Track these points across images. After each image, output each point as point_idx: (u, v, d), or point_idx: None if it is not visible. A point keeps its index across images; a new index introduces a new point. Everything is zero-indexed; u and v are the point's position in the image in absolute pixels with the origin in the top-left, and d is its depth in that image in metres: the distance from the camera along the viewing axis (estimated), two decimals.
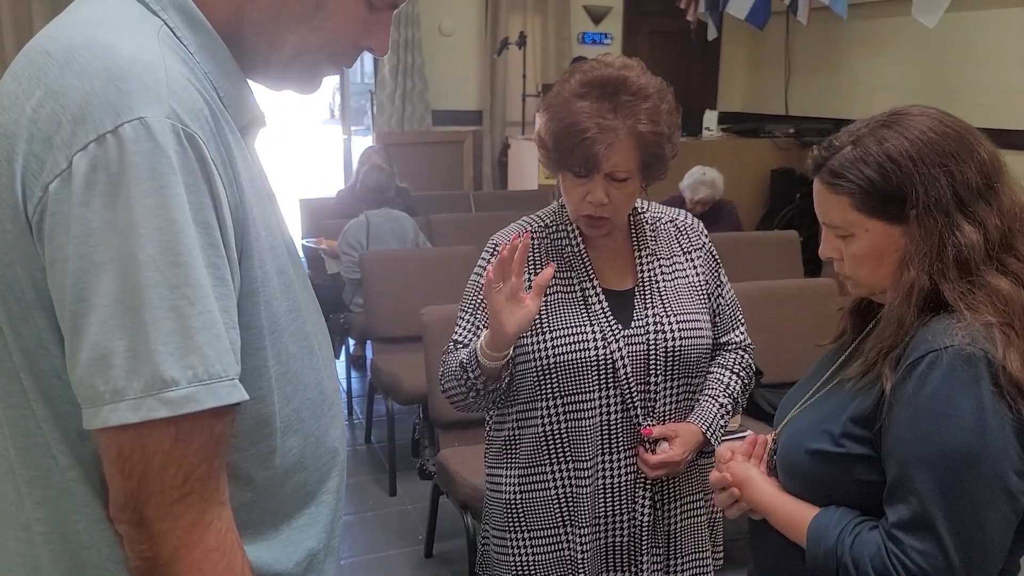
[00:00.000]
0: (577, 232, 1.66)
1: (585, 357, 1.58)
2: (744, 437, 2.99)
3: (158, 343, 0.74)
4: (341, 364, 4.92)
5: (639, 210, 1.71)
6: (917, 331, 1.15)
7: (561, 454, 1.62)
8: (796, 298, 3.53)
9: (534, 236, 1.67)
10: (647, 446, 1.62)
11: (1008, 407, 1.08)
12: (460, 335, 1.66)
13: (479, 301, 1.66)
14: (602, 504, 1.64)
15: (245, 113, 0.92)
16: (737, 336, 1.76)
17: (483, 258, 1.69)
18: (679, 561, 1.71)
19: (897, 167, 1.15)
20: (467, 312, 1.68)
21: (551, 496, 1.64)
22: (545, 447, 1.62)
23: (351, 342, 4.96)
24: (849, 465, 1.19)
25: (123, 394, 0.74)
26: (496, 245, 1.68)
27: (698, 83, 7.38)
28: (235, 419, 0.84)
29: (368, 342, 4.83)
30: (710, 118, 6.75)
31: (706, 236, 1.75)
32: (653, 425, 1.62)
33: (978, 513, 1.08)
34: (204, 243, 0.78)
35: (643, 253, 1.67)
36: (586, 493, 1.62)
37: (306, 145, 13.88)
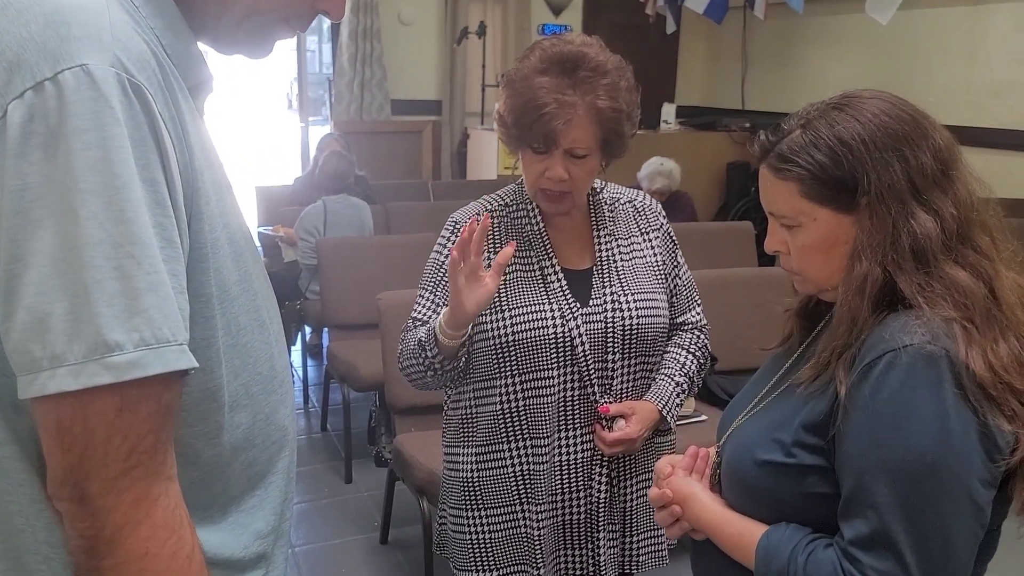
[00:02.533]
0: (537, 211, 1.66)
1: (544, 335, 1.58)
2: (700, 421, 3.04)
3: (101, 305, 0.70)
4: (297, 352, 4.88)
5: (597, 190, 1.72)
6: (872, 329, 1.07)
7: (519, 432, 1.63)
8: (749, 286, 3.57)
9: (494, 215, 1.68)
10: (604, 424, 1.63)
11: (972, 410, 1.00)
12: (420, 313, 1.66)
13: (439, 279, 1.66)
14: (559, 481, 1.65)
15: (194, 73, 0.87)
16: (693, 316, 1.78)
17: (443, 236, 1.69)
18: (635, 538, 1.73)
19: (849, 151, 1.08)
20: (427, 290, 1.67)
21: (508, 474, 1.64)
22: (503, 425, 1.63)
23: (307, 330, 4.92)
24: (800, 477, 1.10)
25: (62, 359, 0.69)
26: (456, 222, 1.69)
27: (656, 76, 7.43)
28: (183, 390, 0.79)
29: (324, 330, 4.79)
30: (668, 111, 6.82)
31: (664, 217, 1.76)
32: (610, 403, 1.63)
33: (942, 527, 0.99)
34: (151, 201, 0.73)
35: (601, 233, 1.69)
36: (543, 470, 1.63)
37: (263, 135, 13.70)
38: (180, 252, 0.77)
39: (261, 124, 14.07)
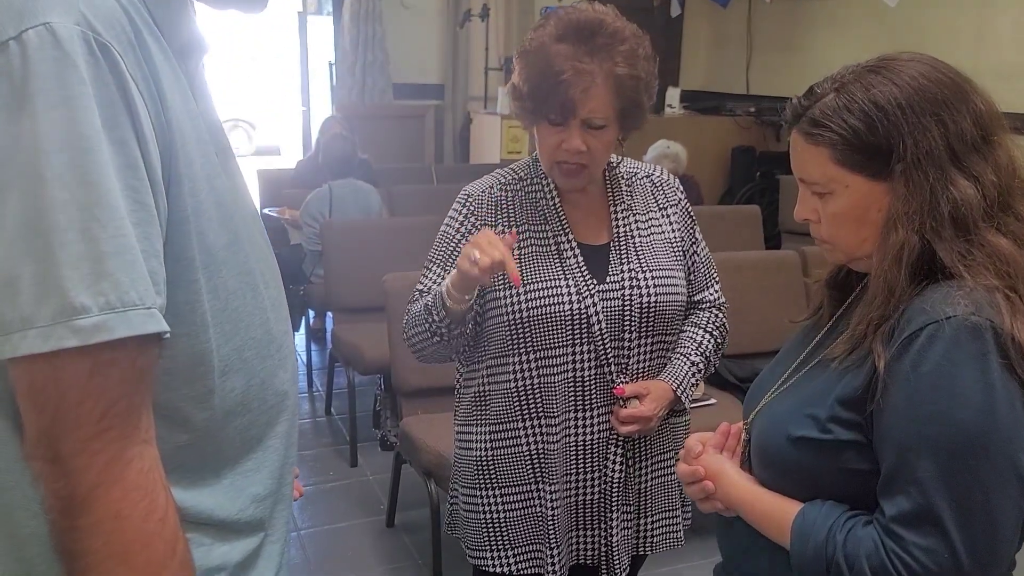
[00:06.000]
0: (552, 185, 1.63)
1: (559, 311, 1.55)
2: (709, 405, 3.02)
3: (66, 267, 0.70)
4: (301, 336, 4.85)
5: (614, 164, 1.69)
6: (911, 300, 1.03)
7: (533, 410, 1.60)
8: (757, 269, 3.55)
9: (508, 188, 1.65)
10: (621, 403, 1.60)
11: (1018, 382, 0.98)
12: (426, 285, 1.63)
13: (449, 252, 1.63)
14: (574, 461, 1.63)
15: (181, 32, 0.86)
16: (711, 294, 1.74)
17: (454, 209, 1.66)
18: (649, 519, 1.70)
19: (884, 116, 1.04)
20: (435, 263, 1.65)
21: (522, 452, 1.62)
22: (516, 403, 1.60)
23: (311, 314, 4.90)
24: (837, 453, 1.07)
25: (32, 322, 0.69)
26: (468, 195, 1.66)
27: (660, 60, 7.29)
28: (163, 355, 0.79)
29: (328, 314, 4.77)
30: (672, 95, 6.78)
31: (681, 193, 1.73)
32: (626, 383, 1.60)
33: (988, 502, 0.97)
34: (120, 163, 0.73)
35: (619, 208, 1.65)
36: (557, 449, 1.61)
37: (264, 120, 13.63)
38: (153, 215, 0.76)
39: (263, 108, 14.00)
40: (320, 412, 4.18)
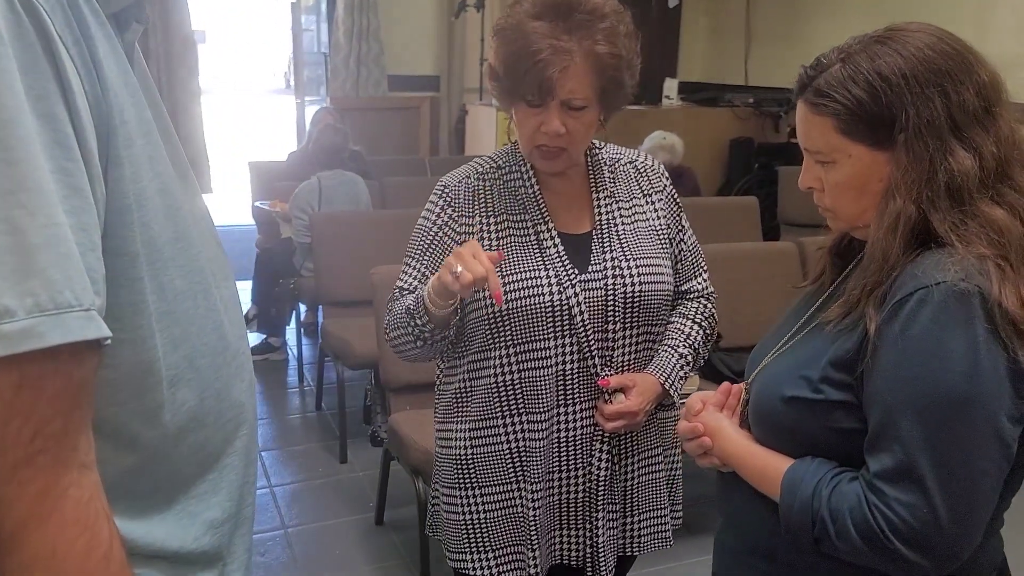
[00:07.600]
0: (531, 172, 1.57)
1: (540, 303, 1.49)
2: None
3: None
4: (292, 331, 4.80)
5: (597, 148, 1.62)
6: (904, 267, 1.06)
7: (514, 406, 1.54)
8: (754, 261, 3.50)
9: (485, 177, 1.58)
10: (605, 398, 1.54)
11: (1003, 347, 1.00)
12: (406, 282, 1.57)
13: (426, 246, 1.57)
14: (557, 459, 1.57)
15: None
16: (699, 284, 1.68)
17: (431, 201, 1.60)
18: (636, 518, 1.64)
19: (888, 86, 1.06)
20: (413, 259, 1.58)
21: (503, 450, 1.56)
22: (497, 399, 1.54)
23: (303, 308, 4.84)
24: (827, 412, 1.10)
25: None
26: (445, 187, 1.59)
27: (658, 51, 7.30)
28: (103, 364, 0.69)
29: (320, 308, 4.71)
30: (670, 86, 6.71)
31: (667, 179, 1.66)
32: (611, 376, 1.54)
33: (968, 462, 1.00)
34: (49, 140, 0.62)
35: (601, 195, 1.59)
36: (540, 447, 1.55)
37: (259, 113, 13.58)
38: (91, 202, 0.66)
39: (257, 103, 13.95)
40: (310, 408, 4.12)
